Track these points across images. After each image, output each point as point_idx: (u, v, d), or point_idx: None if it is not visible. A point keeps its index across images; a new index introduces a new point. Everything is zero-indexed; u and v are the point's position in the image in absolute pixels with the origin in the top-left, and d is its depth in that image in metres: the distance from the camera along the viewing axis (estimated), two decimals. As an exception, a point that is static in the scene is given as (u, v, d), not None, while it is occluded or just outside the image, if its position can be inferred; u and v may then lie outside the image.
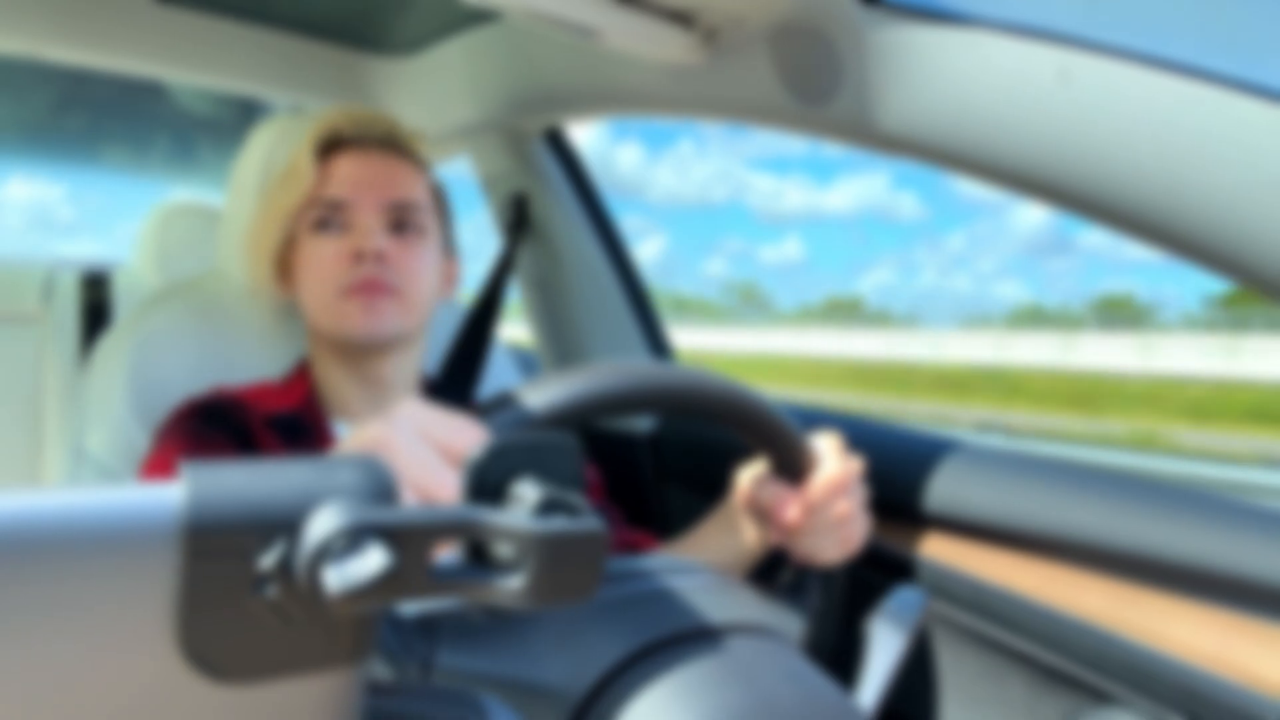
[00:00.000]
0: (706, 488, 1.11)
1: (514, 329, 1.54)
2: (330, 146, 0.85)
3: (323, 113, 0.88)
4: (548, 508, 0.34)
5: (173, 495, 0.28)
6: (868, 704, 0.62)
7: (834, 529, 0.66)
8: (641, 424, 1.25)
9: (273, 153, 0.95)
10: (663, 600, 0.55)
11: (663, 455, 1.22)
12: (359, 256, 0.81)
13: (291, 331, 1.00)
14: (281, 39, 1.27)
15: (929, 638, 0.80)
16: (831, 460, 0.66)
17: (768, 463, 0.67)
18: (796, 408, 1.05)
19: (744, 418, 0.61)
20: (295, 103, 1.45)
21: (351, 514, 0.28)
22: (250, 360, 0.97)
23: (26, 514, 0.26)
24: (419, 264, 0.85)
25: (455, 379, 1.07)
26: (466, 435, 0.48)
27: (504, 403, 0.51)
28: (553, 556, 0.32)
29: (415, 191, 0.86)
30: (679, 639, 0.53)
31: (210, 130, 1.96)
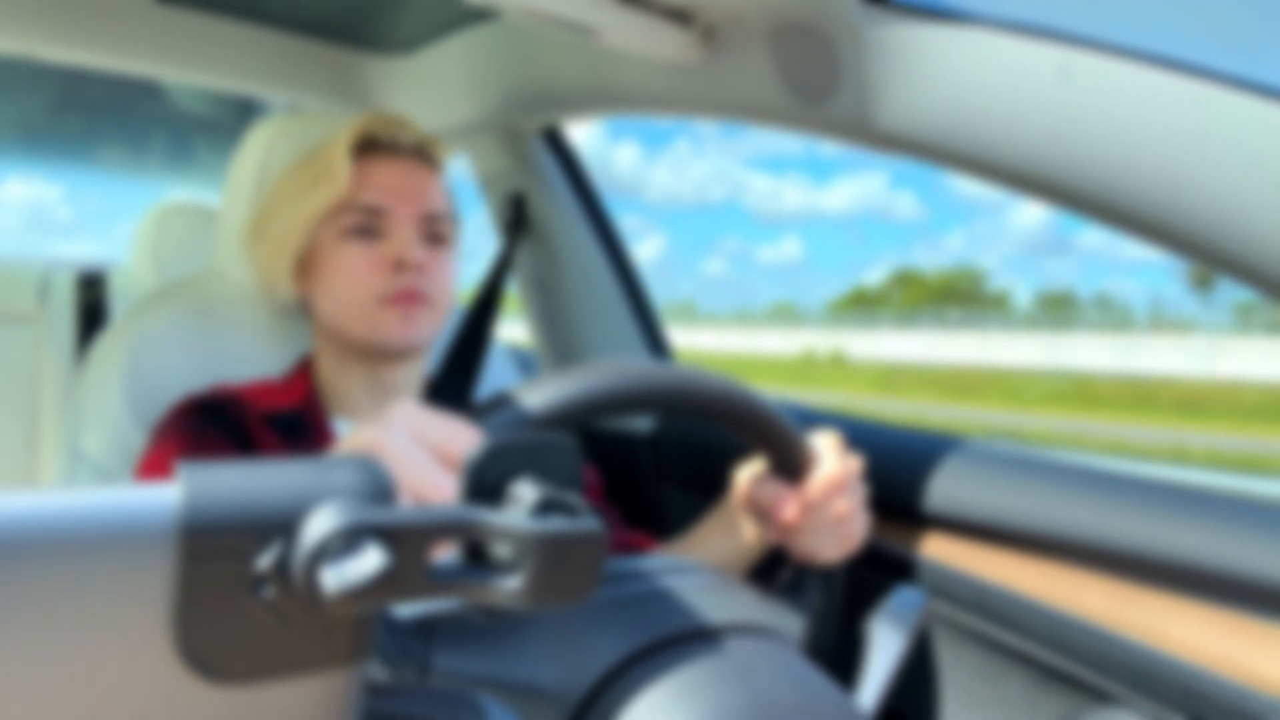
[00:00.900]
0: (705, 487, 1.11)
1: (511, 328, 1.54)
2: (362, 150, 0.84)
3: (333, 118, 0.88)
4: (546, 508, 0.34)
5: (169, 496, 0.27)
6: (868, 704, 0.62)
7: (833, 527, 0.66)
8: (640, 424, 1.24)
9: (270, 152, 0.95)
10: (661, 601, 0.55)
11: (662, 455, 1.22)
12: (399, 266, 0.81)
13: (288, 331, 1.00)
14: (279, 38, 1.26)
15: (929, 637, 0.80)
16: (830, 459, 0.66)
17: (766, 461, 0.67)
18: (795, 407, 1.05)
19: (742, 417, 0.61)
20: (292, 102, 1.45)
21: (349, 514, 0.28)
22: (247, 360, 0.97)
23: (23, 515, 0.25)
24: (448, 274, 0.86)
25: (454, 379, 1.07)
26: (461, 437, 0.48)
27: (500, 404, 0.51)
28: (551, 557, 0.32)
29: (443, 201, 0.87)
30: (678, 639, 0.52)
31: (207, 130, 1.96)
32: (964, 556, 0.77)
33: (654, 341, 1.32)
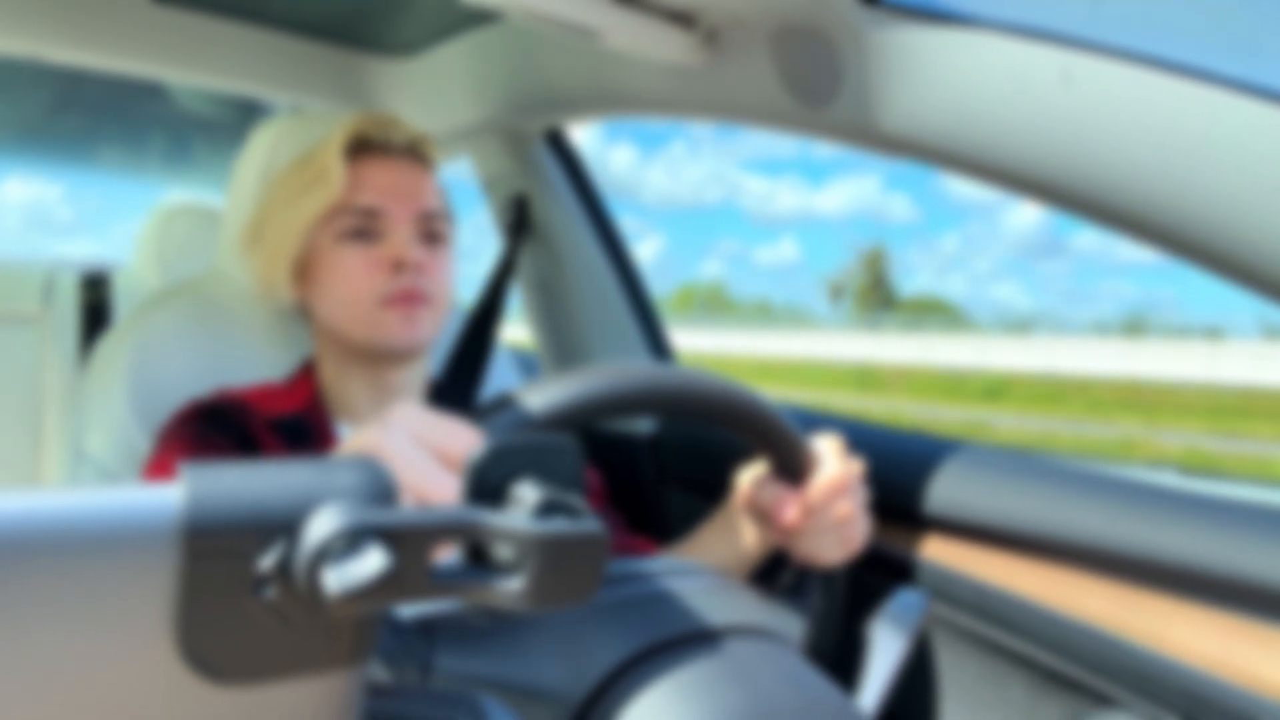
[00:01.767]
0: (707, 490, 1.11)
1: (512, 330, 1.54)
2: (355, 151, 0.84)
3: (337, 119, 0.88)
4: (547, 509, 0.34)
5: (172, 496, 0.27)
6: (868, 707, 0.62)
7: (834, 530, 0.66)
8: (641, 426, 1.24)
9: (273, 153, 0.95)
10: (662, 602, 0.55)
11: (663, 457, 1.22)
12: (398, 267, 0.80)
13: (292, 333, 1.00)
14: (282, 40, 1.27)
15: (930, 640, 0.80)
16: (832, 461, 0.66)
17: (768, 464, 0.67)
18: (797, 409, 1.05)
19: (744, 419, 0.61)
20: (296, 104, 1.45)
21: (350, 515, 0.28)
22: (250, 361, 0.97)
23: (26, 515, 0.25)
24: (446, 273, 0.85)
25: (457, 381, 1.07)
26: (462, 438, 0.48)
27: (501, 405, 0.51)
28: (552, 558, 0.32)
29: (438, 200, 0.86)
30: (679, 641, 0.52)
31: (207, 131, 1.96)
32: (965, 559, 0.77)
33: (656, 344, 1.32)
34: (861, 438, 0.85)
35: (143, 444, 0.90)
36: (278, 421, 0.83)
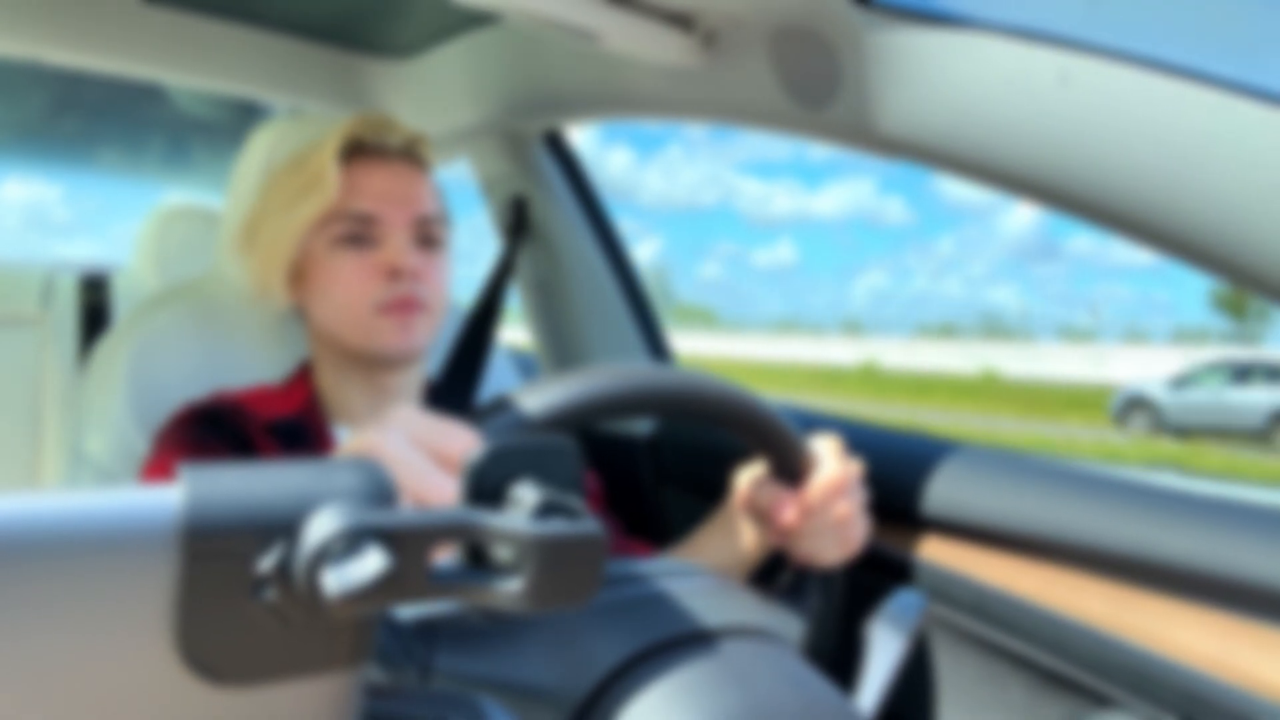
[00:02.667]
0: (705, 491, 1.11)
1: (512, 332, 1.54)
2: (350, 155, 0.84)
3: (336, 121, 0.87)
4: (546, 511, 0.34)
5: (171, 498, 0.28)
6: (867, 707, 0.62)
7: (833, 530, 0.66)
8: (640, 427, 1.24)
9: (272, 155, 0.95)
10: (661, 603, 0.55)
11: (662, 458, 1.22)
12: (394, 274, 0.80)
13: (291, 334, 1.00)
14: (281, 42, 1.27)
15: (928, 641, 0.80)
16: (830, 462, 0.66)
17: (766, 465, 0.67)
18: (795, 410, 1.05)
19: (742, 420, 0.61)
20: (294, 106, 1.46)
21: (350, 516, 0.28)
22: (250, 363, 0.97)
23: (25, 516, 0.25)
24: (443, 277, 0.85)
25: (456, 383, 1.07)
26: (460, 440, 0.48)
27: (500, 407, 0.51)
28: (551, 559, 0.32)
29: (435, 204, 0.86)
30: (678, 642, 0.52)
31: (205, 132, 1.96)
32: (963, 560, 0.77)
33: (655, 345, 1.32)
34: (860, 438, 0.85)
35: (142, 445, 0.90)
36: (274, 424, 0.82)
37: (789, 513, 0.64)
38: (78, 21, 1.11)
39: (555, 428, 0.52)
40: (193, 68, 1.23)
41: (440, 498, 0.46)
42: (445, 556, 0.35)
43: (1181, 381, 14.40)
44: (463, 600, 0.32)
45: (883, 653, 0.63)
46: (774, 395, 0.94)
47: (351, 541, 0.28)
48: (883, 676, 0.62)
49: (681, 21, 0.80)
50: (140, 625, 0.27)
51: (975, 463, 0.80)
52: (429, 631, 0.47)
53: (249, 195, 0.95)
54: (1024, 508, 0.73)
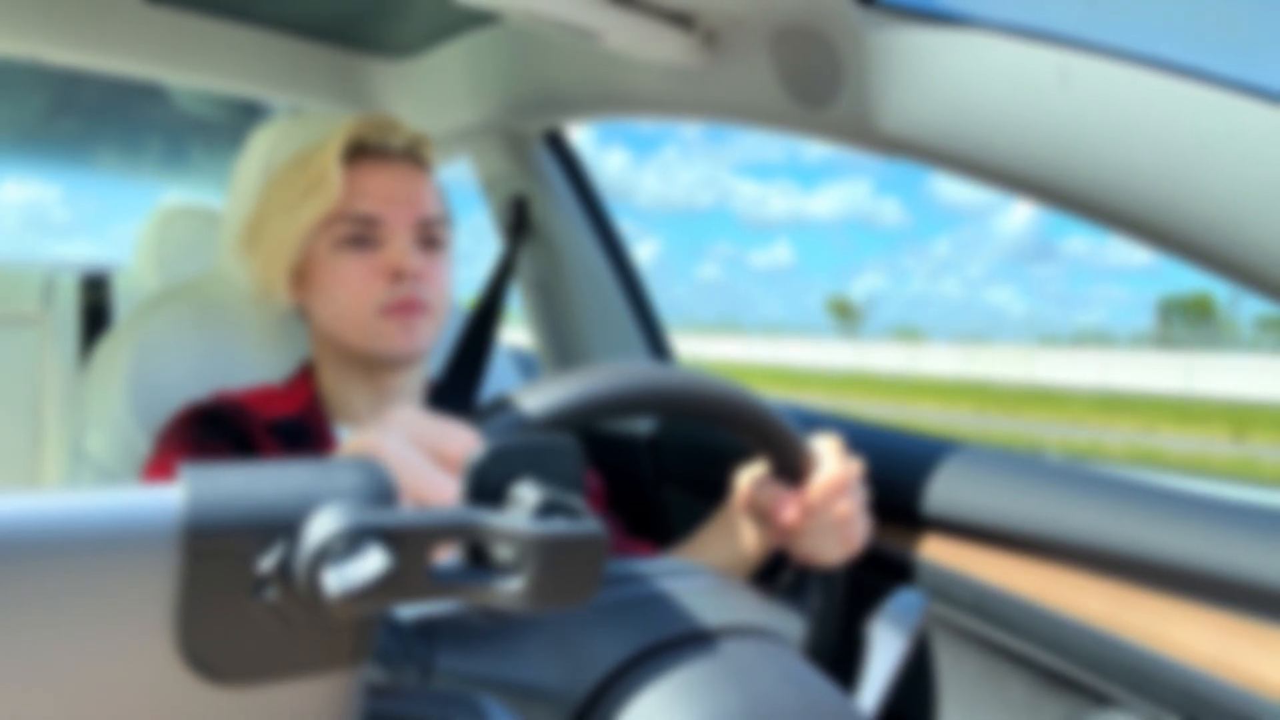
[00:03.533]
0: (706, 490, 1.11)
1: (512, 333, 1.54)
2: (353, 156, 0.84)
3: (336, 121, 0.87)
4: (547, 510, 0.34)
5: (172, 497, 0.28)
6: (868, 707, 0.62)
7: (835, 529, 0.66)
8: (641, 426, 1.24)
9: (273, 155, 0.95)
10: (662, 603, 0.55)
11: (662, 458, 1.22)
12: (397, 276, 0.80)
13: (292, 334, 1.00)
14: (281, 41, 1.27)
15: (929, 640, 0.80)
16: (831, 461, 0.66)
17: (767, 464, 0.67)
18: (796, 410, 1.05)
19: (743, 419, 0.61)
20: (295, 105, 1.46)
21: (351, 516, 0.28)
22: (251, 362, 0.97)
23: (26, 516, 0.26)
24: (445, 278, 0.85)
25: (458, 382, 1.07)
26: (459, 440, 0.48)
27: (500, 406, 0.51)
28: (552, 559, 0.32)
29: (437, 205, 0.86)
30: (679, 641, 0.52)
31: (204, 132, 1.96)
32: (964, 559, 0.77)
33: (656, 344, 1.32)
34: (861, 438, 0.85)
35: (143, 445, 0.90)
36: (276, 424, 0.82)
37: (790, 511, 0.64)
38: (78, 21, 1.11)
39: (556, 427, 0.52)
40: (193, 67, 1.23)
41: (441, 497, 0.46)
42: (446, 556, 0.35)
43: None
44: (463, 600, 0.32)
45: (883, 652, 0.63)
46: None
47: (352, 541, 0.28)
48: (884, 676, 0.62)
49: (682, 21, 0.80)
50: (141, 624, 0.27)
51: (975, 462, 0.80)
52: (430, 631, 0.47)
53: (250, 195, 0.95)
54: (1024, 507, 0.73)
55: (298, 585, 0.28)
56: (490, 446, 0.37)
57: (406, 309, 0.80)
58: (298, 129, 0.96)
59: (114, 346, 0.94)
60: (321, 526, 0.28)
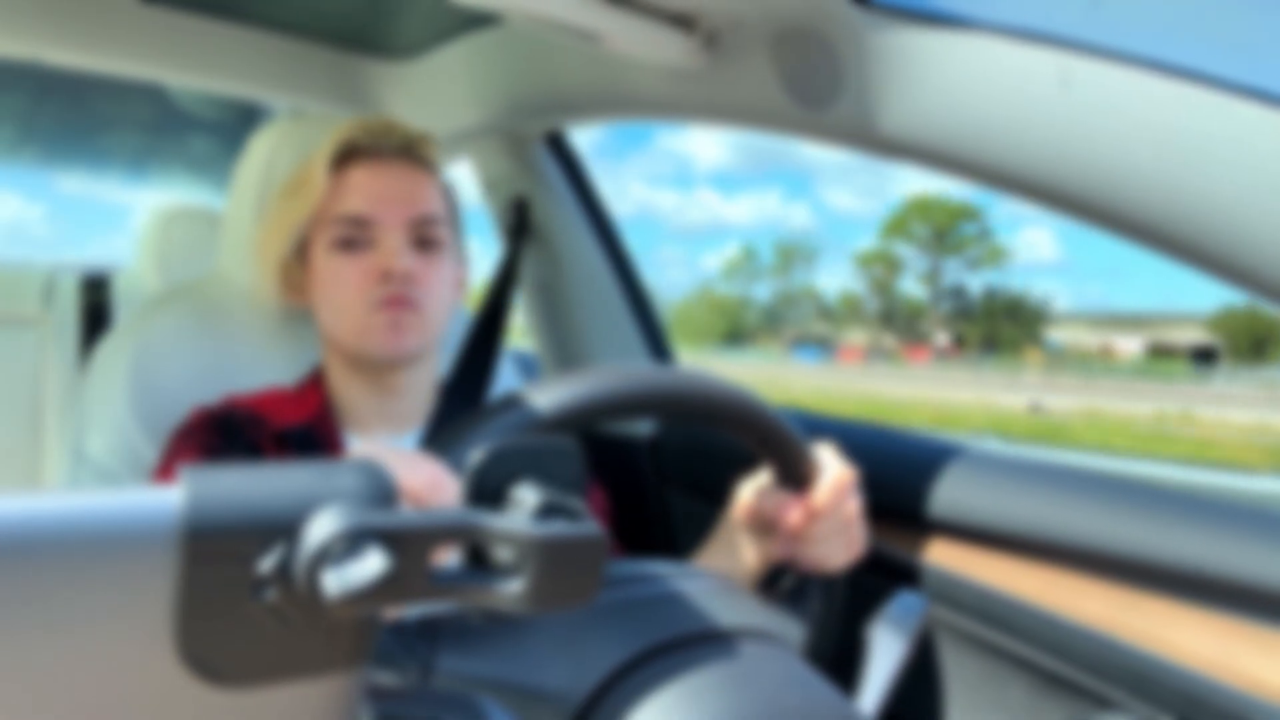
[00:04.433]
0: (707, 492, 1.11)
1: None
2: (345, 157, 0.83)
3: (336, 123, 0.87)
4: (547, 512, 0.34)
5: (172, 499, 0.28)
6: (869, 709, 0.62)
7: (842, 532, 0.66)
8: (642, 429, 1.24)
9: (274, 156, 0.95)
10: (663, 605, 0.55)
11: (663, 460, 1.22)
12: (387, 276, 0.80)
13: (294, 335, 1.00)
14: (282, 42, 1.27)
15: (930, 643, 0.80)
16: (834, 464, 0.66)
17: (771, 470, 0.67)
18: (797, 413, 1.05)
19: (748, 423, 0.61)
20: (296, 107, 1.46)
21: (350, 518, 0.28)
22: (251, 364, 0.97)
23: (26, 517, 0.25)
24: (439, 280, 0.84)
25: (467, 383, 1.06)
26: (423, 475, 0.45)
27: (505, 405, 0.51)
28: (552, 561, 0.32)
29: (434, 204, 0.85)
30: (679, 643, 0.52)
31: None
32: (965, 562, 0.77)
33: (656, 345, 1.32)
34: (863, 440, 0.85)
35: (143, 446, 0.90)
36: (286, 433, 0.82)
37: (795, 513, 0.64)
38: (78, 21, 1.12)
39: (560, 429, 0.52)
40: (194, 68, 1.23)
41: (441, 499, 0.46)
42: (446, 558, 0.35)
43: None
44: (464, 601, 0.32)
45: (884, 655, 0.63)
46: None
47: (352, 542, 0.28)
48: (884, 678, 0.62)
49: (683, 22, 0.80)
50: (141, 626, 0.27)
51: (976, 465, 0.80)
52: (430, 632, 0.47)
53: (251, 195, 0.96)
54: (1025, 510, 0.73)
55: (297, 587, 0.28)
56: (490, 448, 0.37)
57: (393, 304, 0.80)
58: (297, 131, 0.96)
59: (114, 348, 0.94)
60: (321, 528, 0.28)
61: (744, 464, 0.74)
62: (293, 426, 0.83)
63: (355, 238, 0.81)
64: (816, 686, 0.53)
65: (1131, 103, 0.54)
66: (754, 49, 0.77)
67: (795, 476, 0.65)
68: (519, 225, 1.28)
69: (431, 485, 0.45)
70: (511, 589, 0.32)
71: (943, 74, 0.63)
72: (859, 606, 0.75)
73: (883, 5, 0.66)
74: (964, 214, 59.98)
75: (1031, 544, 0.72)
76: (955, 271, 61.34)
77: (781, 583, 0.69)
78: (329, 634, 0.30)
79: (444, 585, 0.31)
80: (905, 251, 61.86)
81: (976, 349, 58.94)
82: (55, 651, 0.26)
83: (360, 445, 0.51)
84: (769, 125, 0.83)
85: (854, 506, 0.66)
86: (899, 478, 0.83)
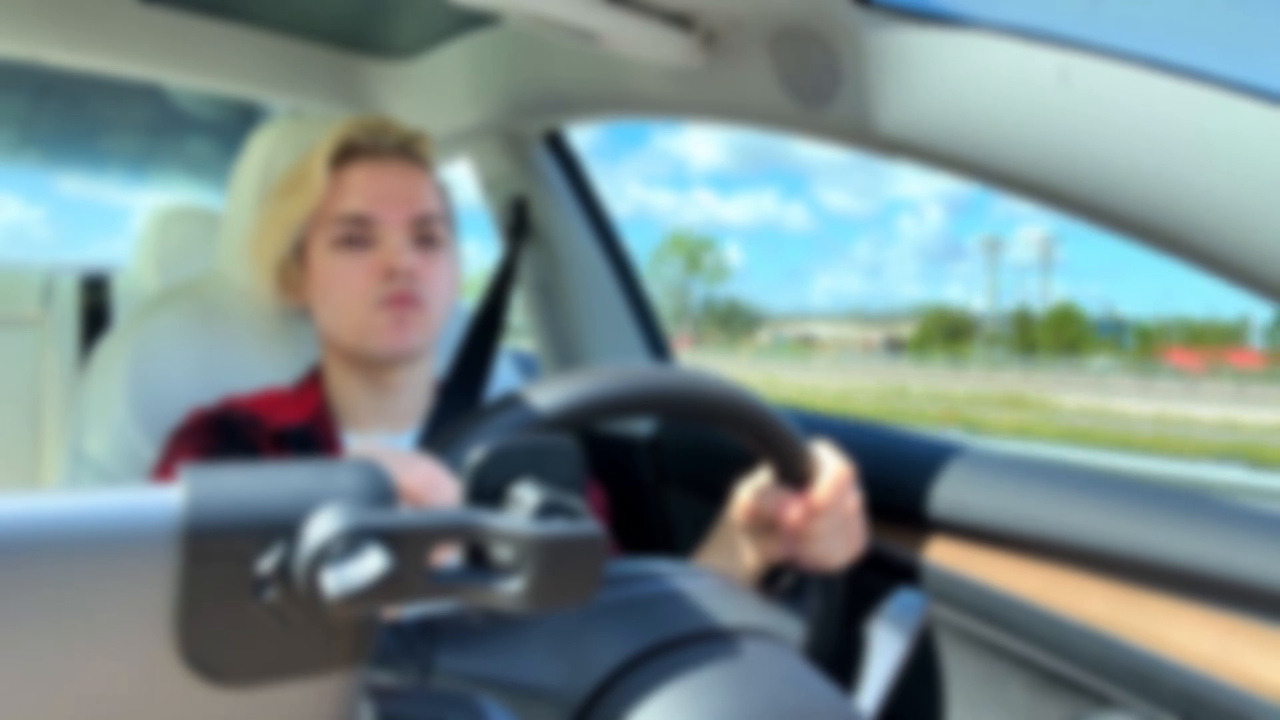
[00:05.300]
0: (707, 492, 1.11)
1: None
2: (343, 156, 0.83)
3: (335, 123, 0.87)
4: (547, 511, 0.34)
5: (172, 498, 0.28)
6: (868, 707, 0.62)
7: (843, 528, 0.66)
8: (641, 428, 1.24)
9: (273, 157, 0.95)
10: (662, 603, 0.55)
11: (662, 460, 1.22)
12: (390, 274, 0.80)
13: (292, 335, 1.00)
14: (281, 42, 1.27)
15: (930, 641, 0.80)
16: (833, 461, 0.66)
17: (770, 468, 0.67)
18: (796, 412, 1.05)
19: (747, 422, 0.61)
20: (295, 107, 1.46)
21: (350, 517, 0.28)
22: (250, 364, 0.97)
23: (25, 516, 0.25)
24: (443, 277, 0.84)
25: (463, 382, 1.06)
26: (420, 474, 0.46)
27: (505, 405, 0.51)
28: (552, 560, 0.32)
29: (434, 202, 0.85)
30: (679, 642, 0.52)
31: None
32: (964, 560, 0.77)
33: (655, 345, 1.32)
34: (860, 438, 0.85)
35: (142, 446, 0.90)
36: (284, 433, 0.82)
37: (795, 511, 0.64)
38: (77, 22, 1.12)
39: (560, 428, 0.52)
40: (193, 68, 1.23)
41: (441, 498, 0.46)
42: (446, 557, 0.35)
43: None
44: (463, 601, 0.32)
45: (884, 653, 0.63)
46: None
47: (352, 542, 0.28)
48: (884, 676, 0.62)
49: (682, 22, 0.80)
50: (140, 626, 0.27)
51: (976, 463, 0.80)
52: (430, 631, 0.47)
53: (249, 195, 0.96)
54: (1025, 508, 0.73)
55: (297, 586, 0.28)
56: (490, 447, 0.37)
57: (398, 302, 0.80)
58: (296, 131, 0.96)
59: (113, 348, 0.94)
60: (321, 527, 0.28)
61: (743, 463, 0.74)
62: (290, 426, 0.83)
63: (357, 236, 0.81)
64: (816, 685, 0.53)
65: (1130, 101, 0.54)
66: (753, 48, 0.77)
67: (794, 474, 0.65)
68: (518, 225, 1.28)
69: (430, 485, 0.45)
70: (511, 588, 0.32)
71: (941, 72, 0.63)
72: (859, 605, 0.75)
73: (881, 4, 0.66)
74: (705, 246, 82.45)
75: (1031, 542, 0.72)
76: (700, 288, 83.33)
77: (781, 581, 0.69)
78: (329, 634, 0.30)
79: (443, 585, 0.31)
80: (669, 271, 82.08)
81: (714, 342, 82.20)
82: (54, 651, 0.26)
83: (359, 445, 0.51)
84: (768, 124, 0.83)
85: (854, 502, 0.66)
86: (898, 476, 0.83)
